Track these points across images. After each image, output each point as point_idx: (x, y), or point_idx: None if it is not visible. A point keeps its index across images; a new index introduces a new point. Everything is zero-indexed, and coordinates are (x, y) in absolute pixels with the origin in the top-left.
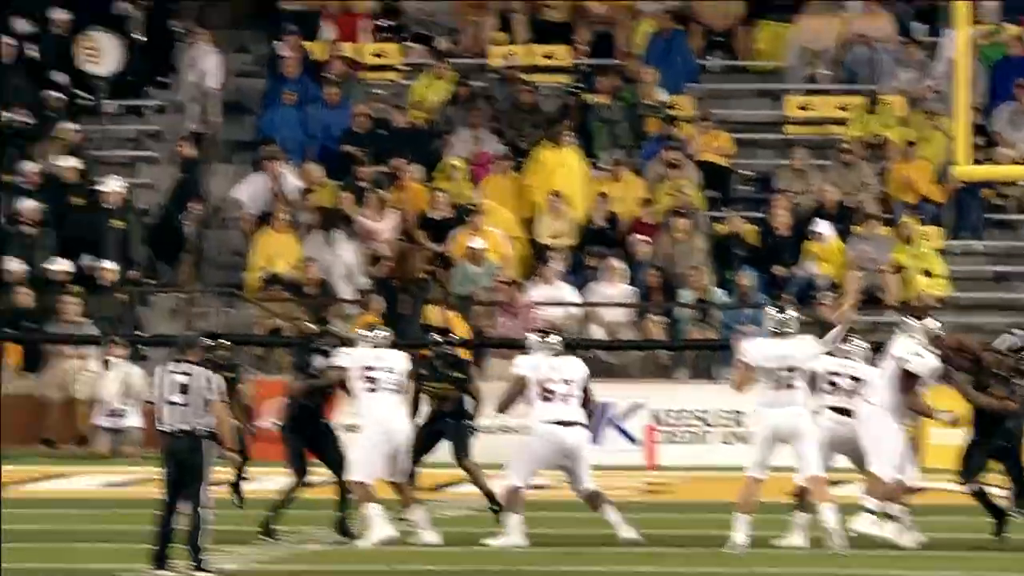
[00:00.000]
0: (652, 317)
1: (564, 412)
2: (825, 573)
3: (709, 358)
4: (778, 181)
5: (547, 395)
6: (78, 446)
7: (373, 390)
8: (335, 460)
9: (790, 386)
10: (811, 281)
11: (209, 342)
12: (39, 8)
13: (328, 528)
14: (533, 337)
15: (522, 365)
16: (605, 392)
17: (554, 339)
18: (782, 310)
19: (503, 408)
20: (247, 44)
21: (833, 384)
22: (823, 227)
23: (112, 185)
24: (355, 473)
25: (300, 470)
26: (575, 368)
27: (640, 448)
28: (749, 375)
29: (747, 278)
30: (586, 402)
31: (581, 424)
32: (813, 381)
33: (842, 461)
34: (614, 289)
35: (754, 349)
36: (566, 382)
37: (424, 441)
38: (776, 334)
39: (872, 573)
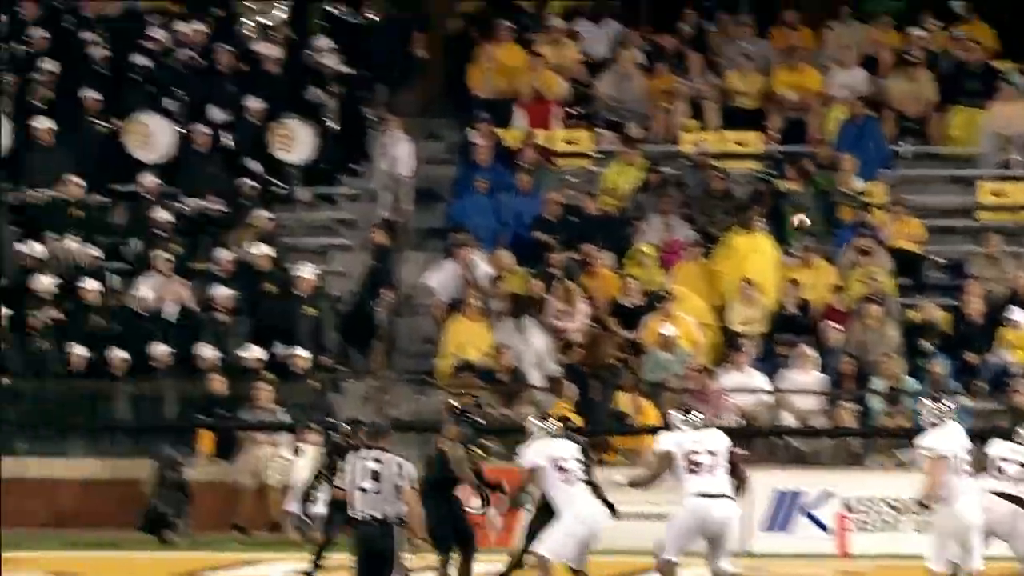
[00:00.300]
0: (844, 404)
1: (711, 484)
2: None
3: (901, 446)
4: (971, 268)
5: (693, 468)
6: (271, 533)
7: (567, 481)
8: (464, 535)
9: (966, 473)
10: (1005, 369)
11: (347, 427)
12: (234, 96)
13: None
14: (675, 414)
15: (665, 441)
16: (796, 480)
17: (695, 415)
18: (937, 400)
19: (642, 484)
20: (439, 131)
21: (1000, 470)
22: (1017, 314)
23: (305, 272)
24: (544, 548)
25: (444, 543)
26: (718, 439)
27: (831, 536)
28: (942, 468)
29: (940, 366)
30: (735, 473)
31: (728, 496)
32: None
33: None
34: (805, 376)
35: (937, 442)
36: (711, 453)
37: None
38: (936, 424)
39: None
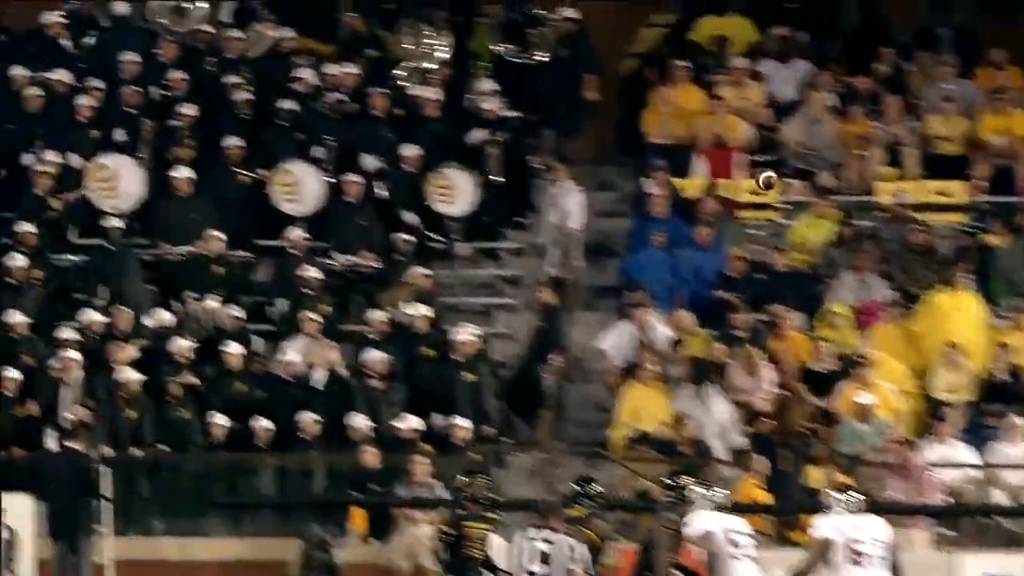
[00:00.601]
0: None
1: None
2: None
3: None
4: None
5: (856, 558)
6: None
7: (736, 556)
8: None
9: None
10: None
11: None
12: (388, 143)
13: None
14: (831, 493)
15: (823, 526)
16: (1008, 564)
17: (853, 496)
18: None
19: (801, 575)
20: (611, 181)
21: None
22: None
23: (465, 335)
24: None
25: None
26: (881, 528)
27: None
28: None
29: None
30: (895, 569)
31: None
32: None
33: None
34: (1017, 449)
35: None
36: (874, 543)
37: None
38: None
39: None
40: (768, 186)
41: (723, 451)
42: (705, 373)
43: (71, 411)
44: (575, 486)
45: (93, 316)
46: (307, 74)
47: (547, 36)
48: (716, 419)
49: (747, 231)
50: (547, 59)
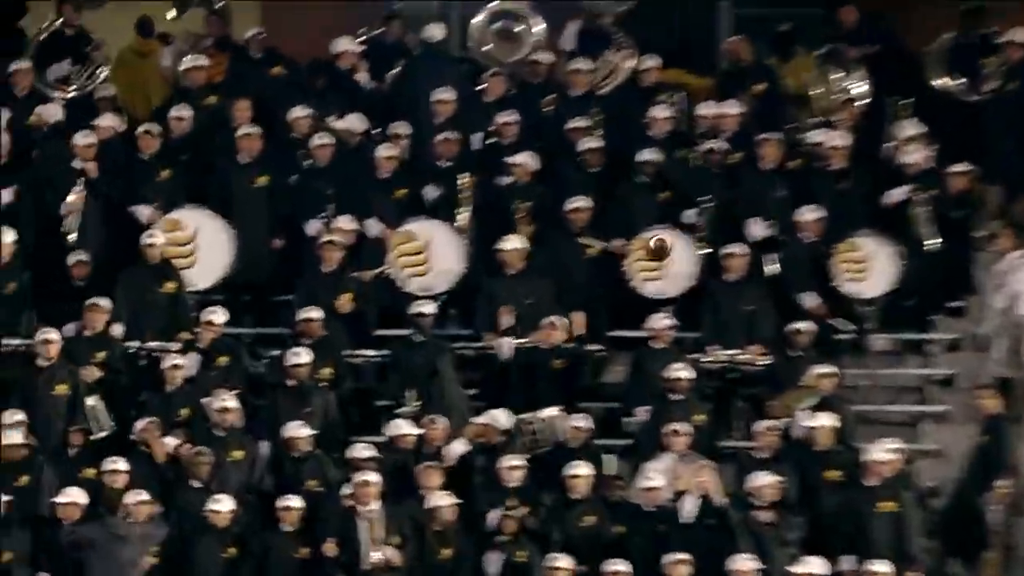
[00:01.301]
0: None
1: None
2: None
3: None
4: None
5: None
6: None
7: None
8: None
9: None
10: None
11: None
12: (781, 205)
13: None
14: None
15: None
16: None
17: None
18: None
19: None
20: None
21: None
22: None
23: (882, 453)
24: None
25: None
26: None
27: None
28: None
29: None
30: None
31: None
32: None
33: None
34: None
35: None
36: None
37: None
38: None
39: None
40: (660, 254)
41: None
42: None
43: (369, 550)
44: None
45: (398, 428)
46: (674, 114)
47: (999, 65)
48: None
49: None
50: (994, 93)
